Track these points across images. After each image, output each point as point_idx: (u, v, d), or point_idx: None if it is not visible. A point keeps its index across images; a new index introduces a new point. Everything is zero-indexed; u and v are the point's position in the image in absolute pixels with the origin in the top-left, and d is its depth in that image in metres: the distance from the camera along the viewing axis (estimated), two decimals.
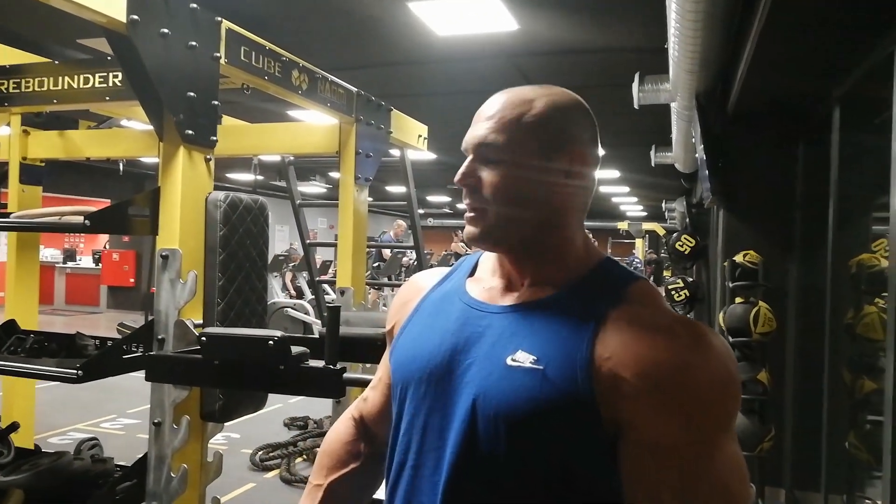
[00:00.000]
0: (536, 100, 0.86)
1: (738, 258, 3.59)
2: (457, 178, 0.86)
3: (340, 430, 1.09)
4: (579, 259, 0.87)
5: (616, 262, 0.89)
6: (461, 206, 0.91)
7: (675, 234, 6.60)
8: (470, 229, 0.87)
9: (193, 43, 1.94)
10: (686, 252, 5.99)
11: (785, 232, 3.78)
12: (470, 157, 0.87)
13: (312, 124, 3.39)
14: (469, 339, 0.85)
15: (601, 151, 0.91)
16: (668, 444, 0.74)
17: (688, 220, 7.14)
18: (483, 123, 0.86)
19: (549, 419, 0.77)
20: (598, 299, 0.82)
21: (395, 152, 3.91)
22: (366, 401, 1.09)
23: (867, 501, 3.23)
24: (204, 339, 1.67)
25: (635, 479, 0.76)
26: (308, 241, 3.98)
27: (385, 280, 9.04)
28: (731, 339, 3.33)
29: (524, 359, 0.79)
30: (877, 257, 3.07)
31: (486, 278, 0.92)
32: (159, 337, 1.95)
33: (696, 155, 4.19)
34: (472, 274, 0.95)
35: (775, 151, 3.84)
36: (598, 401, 0.75)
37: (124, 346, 2.04)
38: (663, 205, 12.77)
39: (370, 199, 3.28)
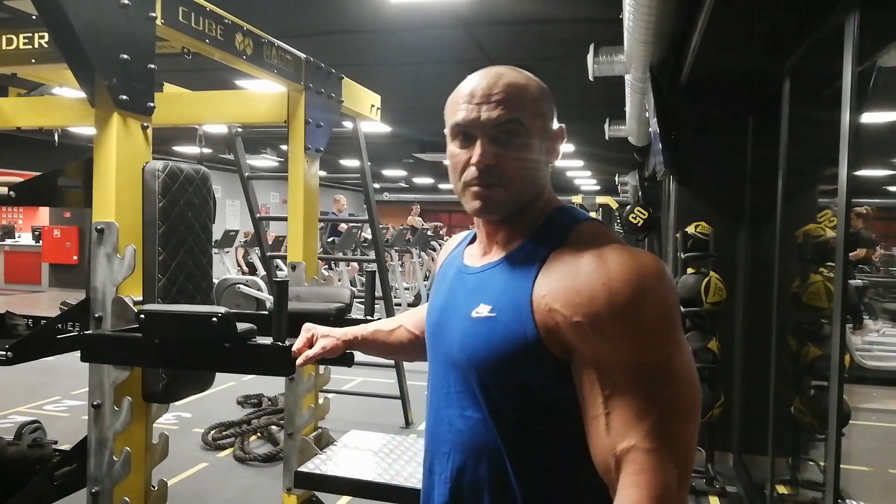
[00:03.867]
0: (529, 83, 0.95)
1: (690, 229, 3.64)
2: (477, 160, 0.92)
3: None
4: (539, 215, 0.97)
5: (569, 209, 0.98)
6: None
7: (628, 207, 6.69)
8: (478, 203, 0.94)
9: (126, 1, 1.81)
10: (639, 224, 6.09)
11: (735, 203, 3.85)
12: (484, 139, 0.93)
13: (259, 92, 3.25)
14: (450, 299, 1.01)
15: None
16: (605, 362, 0.83)
17: (640, 192, 7.24)
18: (489, 105, 0.92)
19: (506, 357, 0.89)
20: (543, 245, 0.93)
21: (348, 124, 3.80)
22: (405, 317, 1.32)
23: (811, 463, 3.36)
24: (142, 316, 1.58)
25: (585, 394, 0.86)
26: (258, 216, 3.87)
27: (340, 255, 8.90)
28: (682, 310, 3.38)
29: (483, 310, 0.92)
30: (822, 228, 3.15)
31: (476, 244, 1.05)
32: (96, 315, 1.84)
33: (650, 128, 4.21)
34: (473, 240, 1.08)
35: (726, 124, 3.88)
36: (541, 335, 0.87)
37: (59, 326, 1.93)
38: (616, 178, 12.92)
39: (323, 172, 3.18)
